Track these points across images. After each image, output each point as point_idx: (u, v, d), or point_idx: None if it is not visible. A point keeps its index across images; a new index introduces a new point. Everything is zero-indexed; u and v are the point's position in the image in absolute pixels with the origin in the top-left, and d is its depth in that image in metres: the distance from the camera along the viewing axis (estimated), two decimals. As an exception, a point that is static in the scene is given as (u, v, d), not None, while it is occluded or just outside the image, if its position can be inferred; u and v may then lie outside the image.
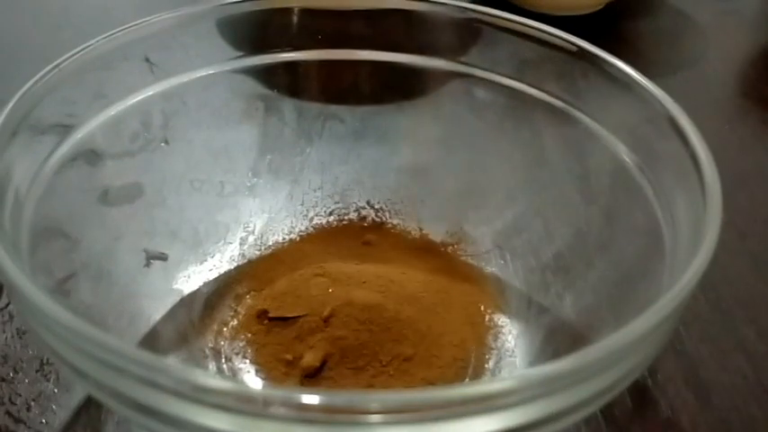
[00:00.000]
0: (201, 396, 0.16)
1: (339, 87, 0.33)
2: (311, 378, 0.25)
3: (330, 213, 0.32)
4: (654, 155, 0.25)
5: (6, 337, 0.28)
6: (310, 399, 0.15)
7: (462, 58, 0.30)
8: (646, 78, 0.25)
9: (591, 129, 0.27)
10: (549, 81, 0.29)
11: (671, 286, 0.19)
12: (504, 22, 0.29)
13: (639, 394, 0.27)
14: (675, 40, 0.50)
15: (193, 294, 0.29)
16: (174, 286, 0.28)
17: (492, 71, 0.30)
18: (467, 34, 0.30)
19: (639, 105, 0.25)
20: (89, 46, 0.26)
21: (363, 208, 0.32)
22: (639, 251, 0.25)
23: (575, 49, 0.27)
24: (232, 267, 0.30)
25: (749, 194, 0.37)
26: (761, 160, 0.40)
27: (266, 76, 0.31)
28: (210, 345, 0.27)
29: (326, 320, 0.26)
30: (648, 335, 0.18)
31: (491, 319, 0.28)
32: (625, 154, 0.26)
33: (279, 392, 0.16)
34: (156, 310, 0.27)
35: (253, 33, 0.31)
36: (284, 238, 0.31)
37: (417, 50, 0.31)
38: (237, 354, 0.27)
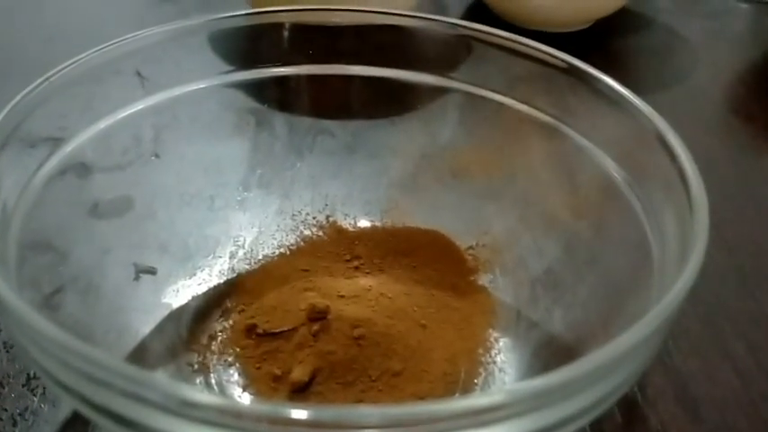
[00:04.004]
0: (189, 411, 0.16)
1: (330, 102, 0.33)
2: (300, 393, 0.25)
3: (320, 227, 0.32)
4: (642, 170, 0.25)
5: (-7, 352, 0.28)
6: (299, 414, 0.15)
7: (453, 74, 0.31)
8: (634, 95, 0.26)
9: (580, 144, 0.27)
10: (538, 97, 0.29)
11: (659, 300, 0.19)
12: (495, 38, 0.29)
13: (629, 409, 0.27)
14: (664, 57, 0.51)
15: (182, 308, 0.28)
16: (163, 300, 0.28)
17: (482, 87, 0.30)
18: (457, 50, 0.31)
19: (628, 121, 0.25)
20: (80, 59, 0.26)
21: (353, 222, 0.32)
22: (628, 265, 0.25)
23: (564, 65, 0.28)
24: (221, 281, 0.30)
25: (737, 210, 0.37)
26: (749, 176, 0.40)
27: (257, 90, 0.31)
28: (199, 359, 0.27)
29: (315, 335, 0.26)
30: (637, 349, 0.18)
31: (481, 334, 0.28)
32: (614, 169, 0.26)
33: (267, 407, 0.16)
34: (145, 325, 0.27)
35: (244, 48, 0.31)
36: (274, 252, 0.31)
37: (408, 66, 0.31)
38: (226, 368, 0.26)
